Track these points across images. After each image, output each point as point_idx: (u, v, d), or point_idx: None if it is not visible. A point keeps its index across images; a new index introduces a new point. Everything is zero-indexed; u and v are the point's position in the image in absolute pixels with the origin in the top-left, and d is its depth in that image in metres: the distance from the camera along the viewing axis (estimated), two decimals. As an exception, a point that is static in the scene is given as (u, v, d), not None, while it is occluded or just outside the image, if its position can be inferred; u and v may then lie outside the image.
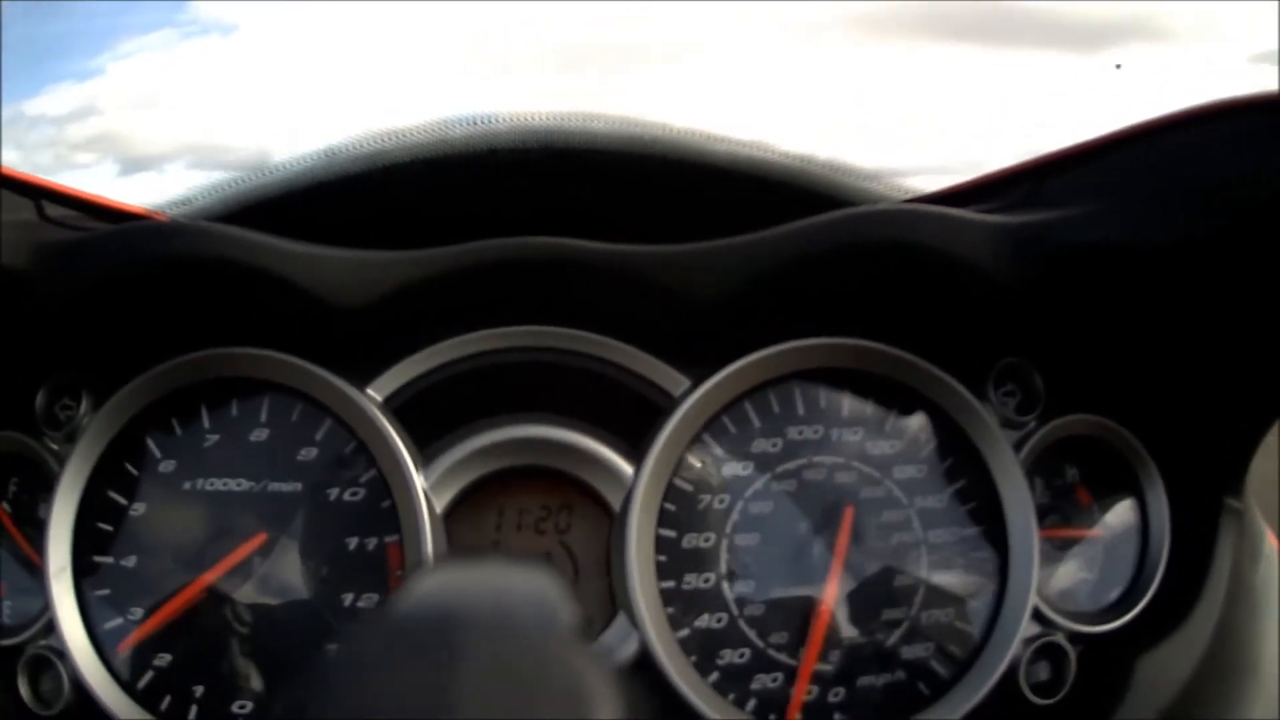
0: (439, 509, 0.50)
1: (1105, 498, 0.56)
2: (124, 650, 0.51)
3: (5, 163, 0.47)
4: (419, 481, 0.50)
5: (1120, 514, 0.56)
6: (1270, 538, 0.59)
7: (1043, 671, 0.52)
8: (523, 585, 0.34)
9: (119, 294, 0.49)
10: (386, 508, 0.51)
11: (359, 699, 0.28)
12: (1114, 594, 0.55)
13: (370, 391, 0.51)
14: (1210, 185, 0.46)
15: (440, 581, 0.35)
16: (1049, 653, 0.52)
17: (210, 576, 0.50)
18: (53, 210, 0.50)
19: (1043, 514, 0.54)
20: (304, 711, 0.28)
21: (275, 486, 0.51)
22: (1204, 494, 0.55)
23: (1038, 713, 0.52)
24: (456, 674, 0.28)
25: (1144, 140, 0.48)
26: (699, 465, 0.52)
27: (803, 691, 0.50)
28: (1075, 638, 0.52)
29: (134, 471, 0.52)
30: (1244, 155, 0.46)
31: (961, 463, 0.54)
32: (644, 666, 0.49)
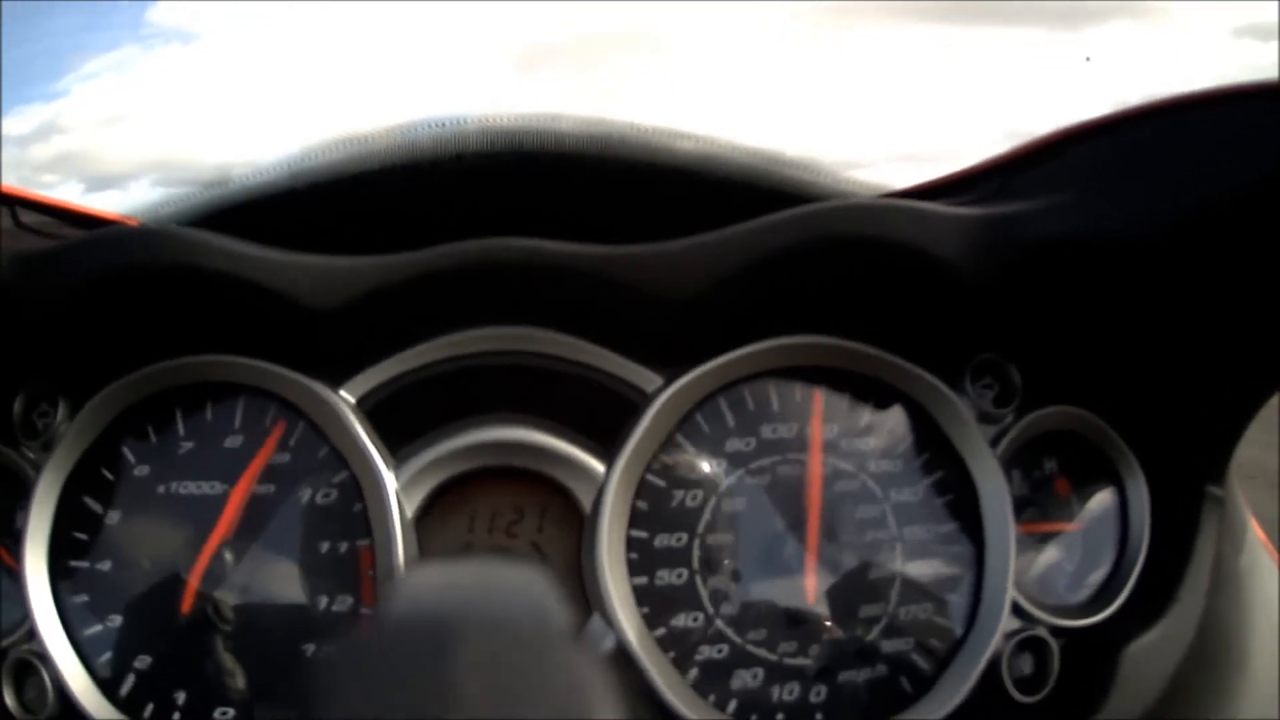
0: (410, 511, 0.50)
1: (1085, 490, 0.56)
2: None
3: None
4: (390, 484, 0.50)
5: (1100, 506, 0.56)
6: (1255, 527, 0.58)
7: (1026, 666, 0.52)
8: (516, 584, 0.34)
9: (93, 300, 0.49)
10: (358, 510, 0.51)
11: (355, 701, 0.28)
12: (1095, 586, 0.55)
13: (343, 394, 0.51)
14: (1182, 176, 0.46)
15: (433, 581, 0.35)
16: (1032, 647, 0.52)
17: (185, 580, 0.51)
18: (25, 218, 0.51)
19: (1021, 507, 0.54)
20: (300, 715, 0.28)
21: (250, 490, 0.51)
22: (1185, 484, 0.55)
23: (1024, 710, 0.51)
24: (452, 675, 0.28)
25: (1115, 131, 0.48)
26: (672, 464, 0.52)
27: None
28: (1057, 631, 0.52)
29: (110, 478, 0.52)
30: (1216, 146, 0.45)
31: (937, 457, 0.54)
32: (621, 666, 0.49)
